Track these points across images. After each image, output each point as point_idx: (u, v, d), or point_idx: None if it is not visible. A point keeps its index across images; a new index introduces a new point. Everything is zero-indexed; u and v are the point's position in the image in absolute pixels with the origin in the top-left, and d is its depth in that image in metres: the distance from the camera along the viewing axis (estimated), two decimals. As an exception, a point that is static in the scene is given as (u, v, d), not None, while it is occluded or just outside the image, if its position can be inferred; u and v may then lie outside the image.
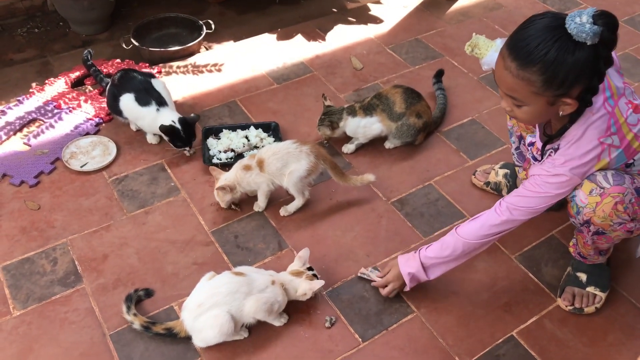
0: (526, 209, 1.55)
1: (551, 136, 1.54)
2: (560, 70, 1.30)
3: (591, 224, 1.56)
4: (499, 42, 1.62)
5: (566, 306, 1.77)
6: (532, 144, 1.68)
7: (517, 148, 1.97)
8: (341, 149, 2.29)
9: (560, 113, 1.41)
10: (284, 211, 2.03)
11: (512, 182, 2.08)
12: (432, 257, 1.67)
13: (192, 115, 2.24)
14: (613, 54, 1.56)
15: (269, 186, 1.99)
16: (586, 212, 1.54)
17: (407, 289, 1.74)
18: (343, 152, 2.28)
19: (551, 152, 1.53)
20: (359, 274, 1.84)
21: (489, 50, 1.62)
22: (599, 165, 1.48)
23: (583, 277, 1.78)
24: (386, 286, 1.76)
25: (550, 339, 1.71)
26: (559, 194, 1.53)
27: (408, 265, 1.71)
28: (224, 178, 1.98)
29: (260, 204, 2.04)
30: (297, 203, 2.02)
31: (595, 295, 1.77)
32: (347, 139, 2.30)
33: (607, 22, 1.27)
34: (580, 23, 1.26)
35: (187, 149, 2.22)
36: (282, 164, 1.94)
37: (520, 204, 1.55)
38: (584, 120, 1.44)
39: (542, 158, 1.58)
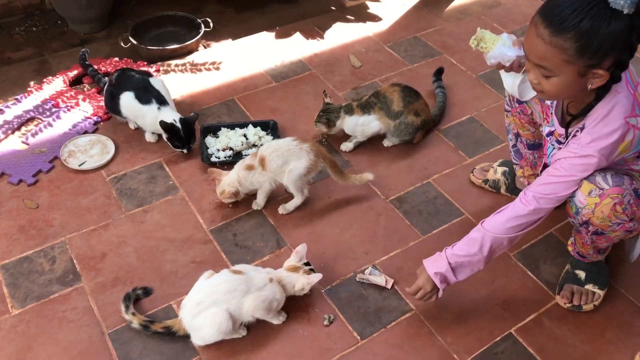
0: (553, 197, 1.50)
1: (575, 115, 1.49)
2: (595, 38, 1.27)
3: (590, 225, 1.56)
4: (505, 37, 1.61)
5: (565, 304, 1.77)
6: (550, 133, 1.63)
7: (514, 146, 1.97)
8: (339, 147, 2.29)
9: (589, 86, 1.37)
10: (282, 209, 2.03)
11: (511, 180, 2.08)
12: (459, 255, 1.58)
13: (191, 114, 2.24)
14: None
15: (271, 185, 1.99)
16: (585, 212, 1.53)
17: (440, 293, 1.64)
18: (341, 150, 2.28)
19: (577, 131, 1.49)
20: (357, 280, 1.83)
21: (494, 45, 1.61)
22: (623, 148, 1.44)
23: (582, 274, 1.78)
24: (418, 292, 1.67)
25: (549, 336, 1.71)
26: (582, 178, 1.48)
27: (435, 266, 1.61)
28: (227, 182, 1.97)
29: (259, 202, 2.04)
30: (296, 201, 2.02)
31: (593, 293, 1.77)
32: (345, 137, 2.30)
33: None
34: None
35: (185, 149, 2.21)
36: (282, 161, 1.94)
37: (546, 192, 1.50)
38: (610, 98, 1.41)
39: (566, 140, 1.54)
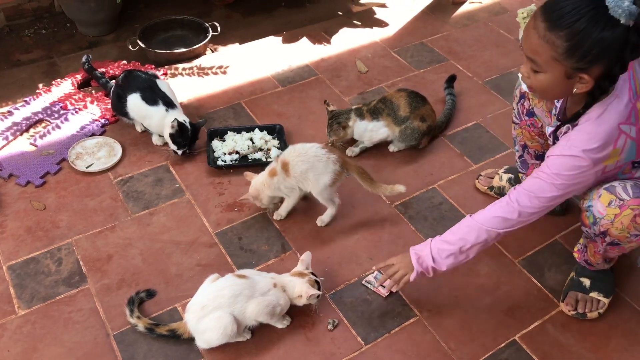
0: (539, 195, 1.47)
1: (570, 118, 1.48)
2: (586, 41, 1.27)
3: (607, 235, 1.54)
4: None
5: (569, 311, 1.77)
6: (552, 133, 1.63)
7: (521, 156, 1.97)
8: (345, 152, 2.29)
9: (575, 90, 1.37)
10: (320, 222, 1.99)
11: (516, 187, 2.08)
12: (445, 242, 1.59)
13: (200, 120, 2.25)
14: None
15: (298, 197, 1.96)
16: (604, 223, 1.51)
17: (412, 276, 1.63)
18: (347, 155, 2.28)
19: (568, 127, 1.48)
20: (362, 283, 1.83)
21: None
22: (612, 154, 1.41)
23: (587, 282, 1.78)
24: (394, 272, 1.68)
25: (553, 343, 1.71)
26: (569, 182, 1.44)
27: (417, 249, 1.64)
28: (252, 185, 1.97)
29: (281, 213, 2.01)
30: (331, 211, 1.99)
31: (598, 301, 1.76)
32: (351, 142, 2.31)
33: None
34: None
35: (180, 151, 2.20)
36: (307, 167, 1.89)
37: (532, 188, 1.48)
38: (607, 102, 1.39)
39: (559, 137, 1.53)
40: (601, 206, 1.50)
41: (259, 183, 1.95)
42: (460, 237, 1.57)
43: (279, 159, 1.94)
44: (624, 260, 1.90)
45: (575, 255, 1.79)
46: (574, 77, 1.34)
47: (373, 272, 1.85)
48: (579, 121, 1.44)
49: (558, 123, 1.59)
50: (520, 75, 1.70)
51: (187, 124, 2.17)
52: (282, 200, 2.02)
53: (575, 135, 1.43)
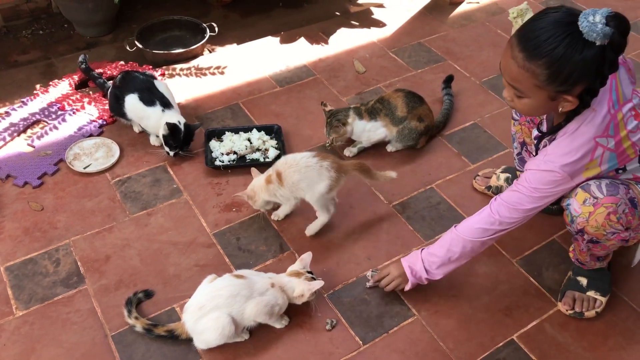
0: (519, 207, 1.53)
1: (547, 132, 1.54)
2: (566, 66, 1.30)
3: (585, 233, 1.57)
4: None
5: (566, 310, 1.77)
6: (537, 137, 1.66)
7: (519, 154, 1.98)
8: (343, 152, 2.30)
9: (560, 109, 1.41)
10: (309, 231, 1.97)
11: (514, 186, 2.09)
12: (433, 255, 1.68)
13: (196, 122, 2.25)
14: (628, 62, 1.57)
15: (294, 204, 1.95)
16: (579, 221, 1.54)
17: (407, 287, 1.74)
18: (345, 155, 2.28)
19: (546, 142, 1.53)
20: (368, 276, 1.85)
21: None
22: (590, 166, 1.46)
23: (584, 281, 1.78)
24: (388, 282, 1.77)
25: (551, 343, 1.71)
26: (548, 193, 1.50)
27: (410, 261, 1.73)
28: (251, 184, 1.97)
29: (279, 214, 2.01)
30: (322, 219, 1.94)
31: (595, 300, 1.77)
32: (349, 142, 2.31)
33: (619, 25, 1.27)
34: (592, 22, 1.26)
35: (172, 153, 2.20)
36: (299, 178, 1.85)
37: (511, 200, 1.54)
38: (583, 117, 1.43)
39: (536, 152, 1.58)
40: (577, 204, 1.52)
41: (257, 185, 1.95)
42: (448, 249, 1.65)
43: (274, 167, 1.92)
44: (621, 259, 1.90)
45: (570, 255, 1.80)
46: (558, 98, 1.38)
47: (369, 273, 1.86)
48: (557, 135, 1.49)
49: (539, 134, 1.62)
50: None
51: (181, 126, 2.17)
52: (276, 205, 2.02)
53: (552, 150, 1.48)
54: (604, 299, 1.78)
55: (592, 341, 1.72)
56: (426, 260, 1.69)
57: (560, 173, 1.46)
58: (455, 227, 1.66)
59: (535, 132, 1.69)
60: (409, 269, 1.72)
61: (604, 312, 1.78)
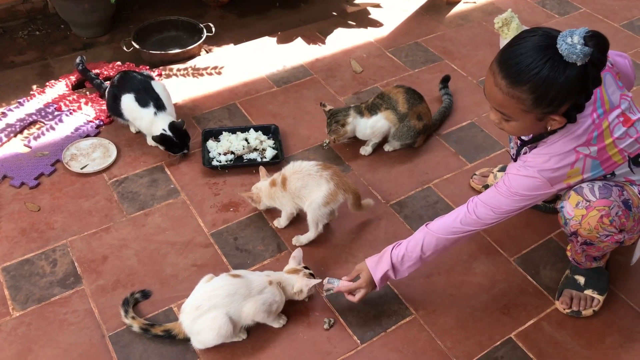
0: (496, 209, 1.53)
1: (527, 141, 1.56)
2: (550, 89, 1.31)
3: (579, 235, 1.57)
4: None
5: (564, 309, 1.77)
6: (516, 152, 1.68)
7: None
8: (359, 152, 2.30)
9: (549, 128, 1.42)
10: (296, 240, 1.95)
11: (511, 185, 2.09)
12: (405, 255, 1.62)
13: (179, 120, 2.23)
14: (627, 62, 1.57)
15: (292, 210, 1.94)
16: (572, 224, 1.54)
17: (377, 290, 1.70)
18: (360, 154, 2.29)
19: (526, 150, 1.54)
20: (325, 289, 1.74)
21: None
22: (571, 174, 1.47)
23: (581, 280, 1.78)
24: (356, 292, 1.70)
25: (549, 341, 1.71)
26: (527, 197, 1.50)
27: (379, 268, 1.65)
28: (256, 185, 1.98)
29: (281, 222, 2.00)
30: (309, 235, 1.93)
31: (593, 299, 1.77)
32: (360, 142, 2.30)
33: (597, 44, 1.28)
34: (571, 44, 1.26)
35: (180, 154, 2.22)
36: (301, 185, 1.86)
37: (491, 202, 1.54)
38: (565, 130, 1.45)
39: (516, 158, 1.59)
40: (570, 207, 1.52)
41: (261, 187, 1.96)
42: (421, 249, 1.61)
43: (281, 172, 1.93)
44: (619, 257, 1.90)
45: (568, 253, 1.80)
46: (545, 119, 1.39)
47: (326, 281, 1.74)
48: (538, 144, 1.50)
49: (519, 143, 1.63)
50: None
51: (168, 132, 2.16)
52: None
53: (532, 157, 1.49)
54: (601, 298, 1.78)
55: (589, 339, 1.72)
56: (397, 262, 1.63)
57: (539, 178, 1.47)
58: (427, 225, 1.63)
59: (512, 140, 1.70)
60: (380, 281, 1.65)
61: (601, 311, 1.78)
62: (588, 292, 1.77)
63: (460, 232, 1.59)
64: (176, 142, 2.18)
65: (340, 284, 1.71)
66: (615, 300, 1.81)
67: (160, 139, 2.16)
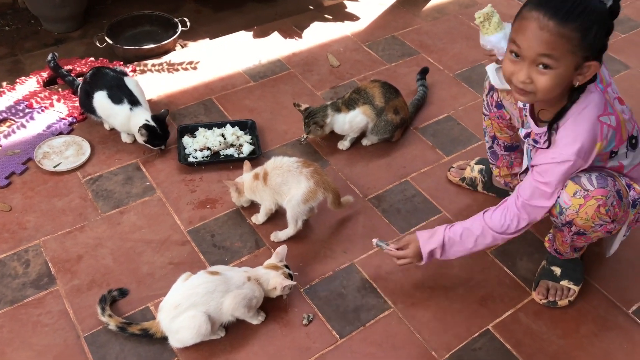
0: (540, 205, 1.54)
1: (550, 121, 1.50)
2: (593, 28, 1.31)
3: (573, 225, 1.57)
4: (508, 29, 1.60)
5: (540, 300, 1.79)
6: (527, 135, 1.63)
7: (491, 147, 1.99)
8: (337, 146, 2.29)
9: (576, 83, 1.40)
10: (274, 237, 1.94)
11: (488, 178, 2.10)
12: (458, 243, 1.64)
13: (161, 111, 2.22)
14: None
15: (271, 206, 1.92)
16: (569, 213, 1.54)
17: (421, 264, 1.72)
18: (338, 149, 2.28)
19: (553, 132, 1.50)
20: (375, 244, 1.78)
21: (497, 31, 1.60)
22: (598, 145, 1.45)
23: (557, 271, 1.80)
24: (403, 263, 1.74)
25: (525, 332, 1.73)
26: (560, 182, 1.51)
27: (430, 242, 1.67)
28: (241, 176, 1.96)
29: (259, 218, 1.98)
30: (289, 231, 1.92)
31: (569, 289, 1.79)
32: (338, 136, 2.29)
33: None
34: None
35: (163, 147, 2.20)
36: (281, 181, 1.86)
37: (533, 202, 1.54)
38: (583, 99, 1.43)
39: (545, 140, 1.54)
40: (567, 196, 1.52)
41: (245, 179, 1.95)
42: (475, 241, 1.62)
43: (263, 166, 1.92)
44: (594, 248, 1.93)
45: (546, 244, 1.82)
46: (581, 66, 1.37)
47: (377, 240, 1.80)
48: (560, 123, 1.47)
49: (529, 127, 1.60)
50: (488, 69, 1.72)
51: (152, 122, 2.14)
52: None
53: (561, 140, 1.46)
54: (576, 288, 1.80)
55: (565, 329, 1.74)
56: (447, 243, 1.65)
57: (573, 160, 1.45)
58: (484, 217, 1.61)
59: (522, 132, 1.65)
60: (428, 256, 1.68)
61: (576, 301, 1.80)
62: (564, 282, 1.79)
63: (511, 232, 1.59)
64: (159, 133, 2.15)
65: (390, 247, 1.76)
66: (589, 290, 1.84)
67: (148, 128, 2.12)
